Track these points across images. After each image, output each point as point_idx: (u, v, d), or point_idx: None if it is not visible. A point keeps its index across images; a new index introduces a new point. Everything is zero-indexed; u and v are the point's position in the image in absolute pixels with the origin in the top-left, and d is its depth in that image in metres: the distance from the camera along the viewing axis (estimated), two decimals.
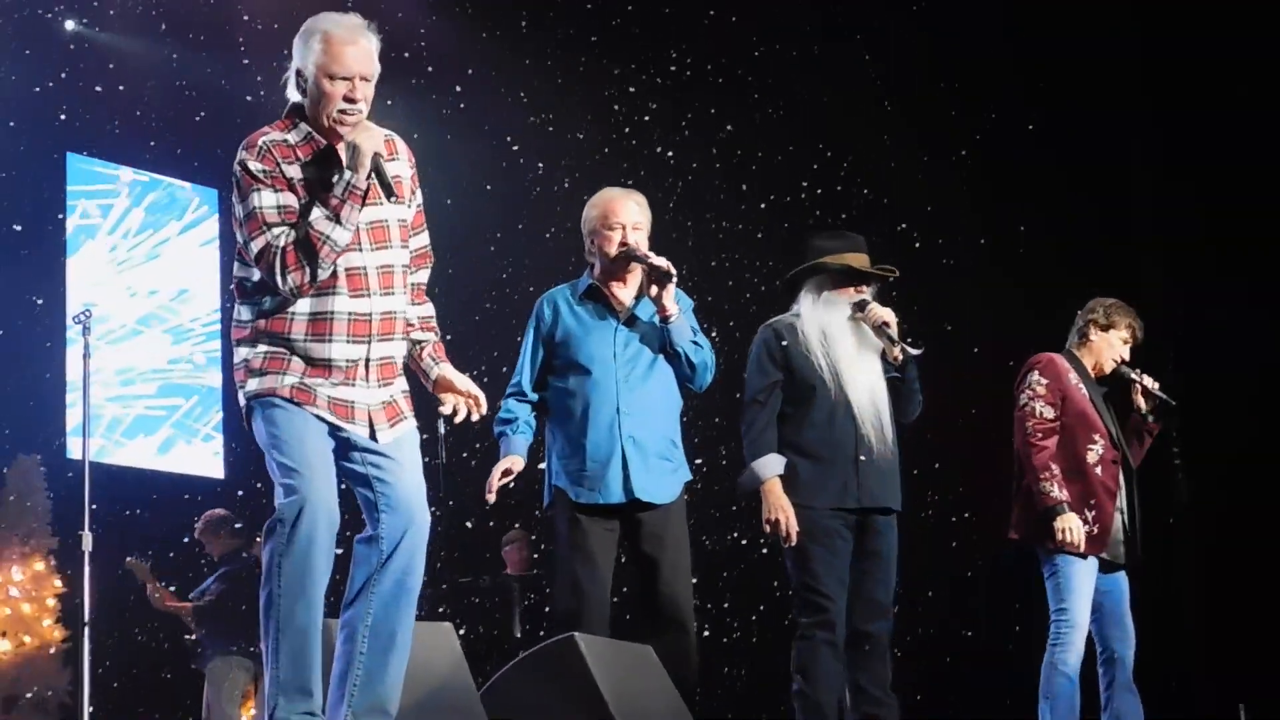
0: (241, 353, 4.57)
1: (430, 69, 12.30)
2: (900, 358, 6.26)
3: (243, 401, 4.57)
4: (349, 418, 4.52)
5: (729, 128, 12.11)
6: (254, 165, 4.47)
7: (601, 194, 6.18)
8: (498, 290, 12.25)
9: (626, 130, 12.37)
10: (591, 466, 5.93)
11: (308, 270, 4.40)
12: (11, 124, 11.60)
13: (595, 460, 5.93)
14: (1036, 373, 6.78)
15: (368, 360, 4.54)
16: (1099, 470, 6.70)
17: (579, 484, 5.95)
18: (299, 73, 4.54)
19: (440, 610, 10.06)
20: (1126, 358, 6.90)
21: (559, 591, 6.02)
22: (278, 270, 4.40)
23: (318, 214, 4.43)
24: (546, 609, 9.63)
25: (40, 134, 11.85)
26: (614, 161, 12.05)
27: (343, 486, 4.58)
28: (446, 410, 4.81)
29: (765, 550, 11.03)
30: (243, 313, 4.58)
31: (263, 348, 4.52)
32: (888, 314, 6.23)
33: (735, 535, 11.68)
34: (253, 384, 4.51)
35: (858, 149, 11.52)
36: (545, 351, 6.09)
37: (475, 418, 4.82)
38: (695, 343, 6.04)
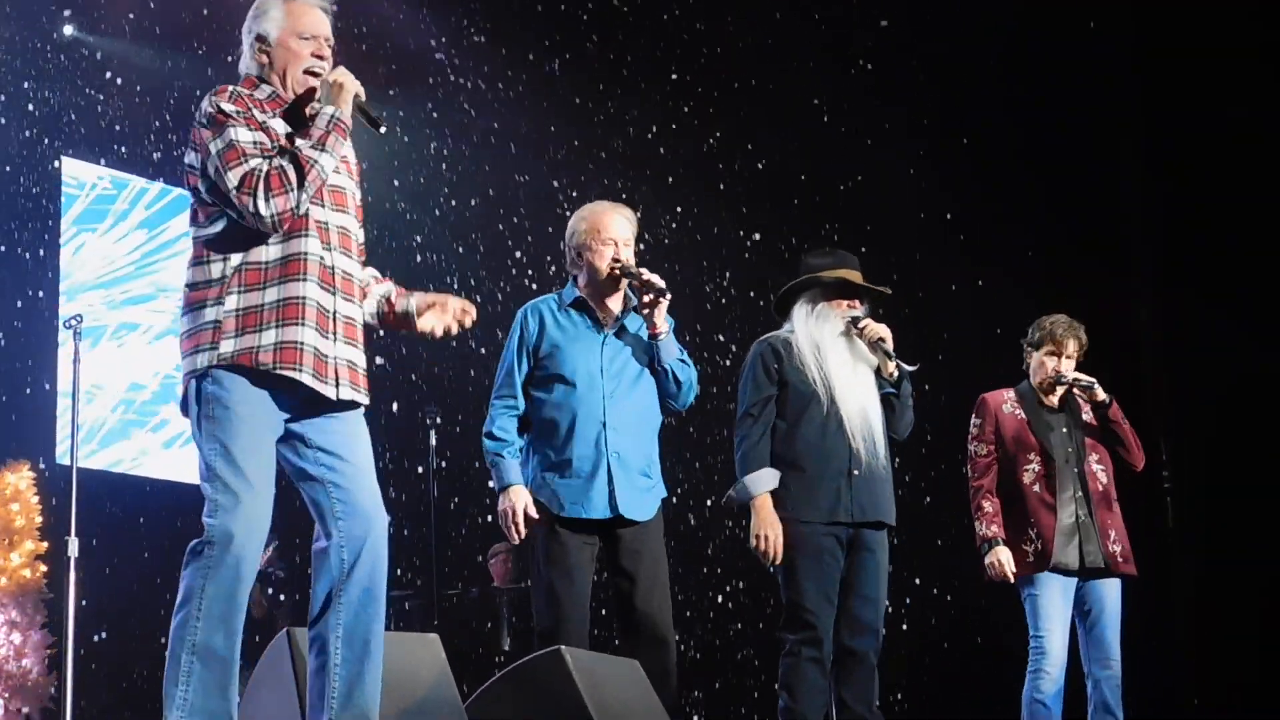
0: (208, 314, 4.38)
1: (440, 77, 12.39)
2: (895, 374, 6.31)
3: (202, 364, 4.35)
4: (324, 374, 4.41)
5: (715, 140, 12.13)
6: (227, 105, 4.40)
7: (590, 207, 6.15)
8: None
9: (613, 141, 12.40)
10: (576, 481, 5.88)
11: (294, 195, 4.33)
12: (6, 126, 11.60)
13: (580, 475, 5.88)
14: (973, 415, 7.06)
15: (334, 313, 4.46)
16: (1035, 488, 6.84)
17: (561, 498, 5.90)
18: (260, 38, 4.56)
19: (433, 623, 10.05)
20: (1060, 369, 6.99)
21: (538, 607, 5.96)
22: (260, 195, 4.29)
23: (302, 144, 4.39)
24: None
25: (35, 137, 11.85)
26: (601, 172, 12.09)
27: (283, 484, 4.47)
28: (439, 332, 4.73)
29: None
30: (210, 271, 4.40)
31: (234, 304, 4.35)
32: (883, 330, 6.26)
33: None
34: (227, 345, 4.34)
35: (858, 170, 11.53)
36: (529, 363, 6.04)
37: (469, 324, 4.74)
38: (682, 360, 6.05)
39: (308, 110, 4.54)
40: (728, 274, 11.86)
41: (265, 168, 4.31)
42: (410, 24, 12.37)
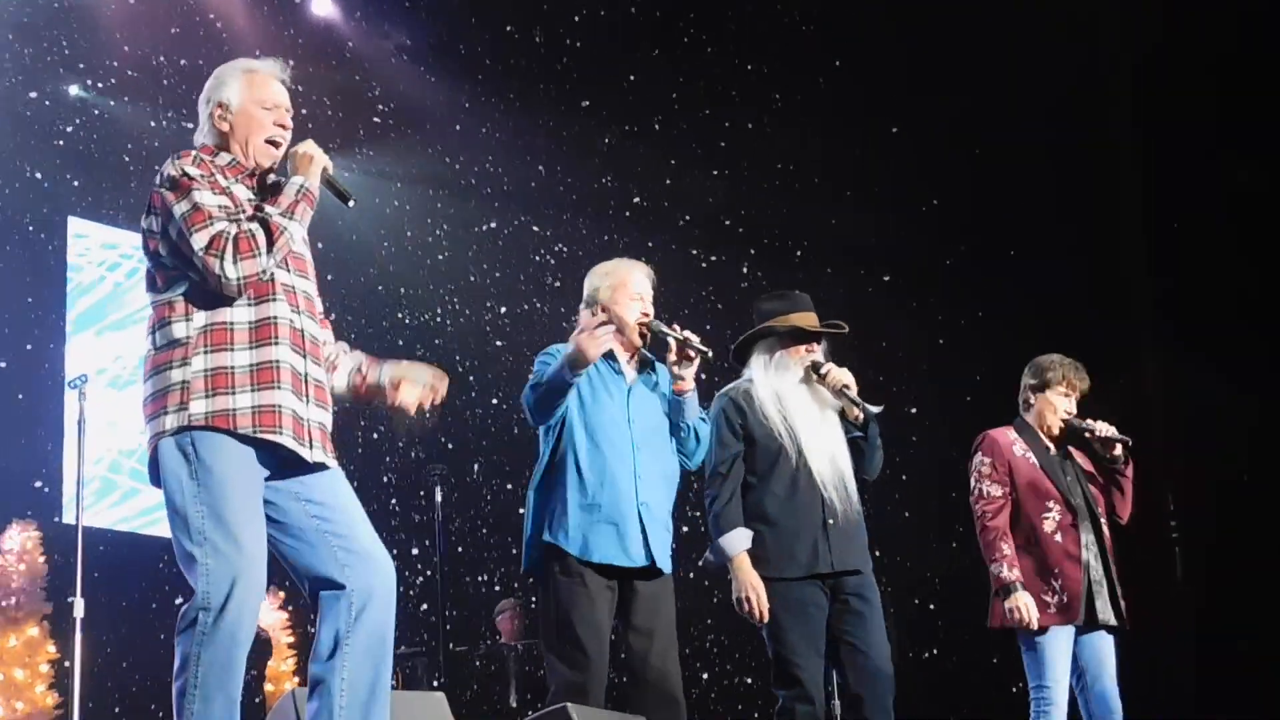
0: (173, 376, 4.29)
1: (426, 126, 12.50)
2: (861, 417, 6.18)
3: (173, 425, 4.26)
4: (302, 436, 4.34)
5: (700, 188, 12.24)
6: (191, 169, 4.36)
7: (614, 264, 6.08)
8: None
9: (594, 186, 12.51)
10: (608, 527, 5.73)
11: (261, 259, 4.26)
12: (12, 185, 11.64)
13: (612, 521, 5.74)
14: (980, 454, 6.76)
15: (306, 375, 4.41)
16: (1058, 537, 6.59)
17: (591, 543, 5.73)
18: (222, 105, 4.54)
19: (438, 680, 10.02)
20: (1072, 411, 6.80)
21: (562, 658, 5.73)
22: (229, 258, 4.22)
23: (271, 210, 4.35)
24: (542, 675, 9.61)
25: (42, 197, 11.89)
26: (577, 215, 12.19)
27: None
28: (412, 408, 4.65)
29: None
30: (173, 332, 4.32)
31: (201, 365, 4.27)
32: (846, 376, 6.13)
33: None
34: (199, 406, 4.25)
35: (841, 211, 11.61)
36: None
37: (439, 400, 4.68)
38: (701, 418, 5.99)
39: (268, 180, 4.52)
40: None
41: (234, 231, 4.25)
42: (411, 75, 12.49)
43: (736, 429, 6.14)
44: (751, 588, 5.96)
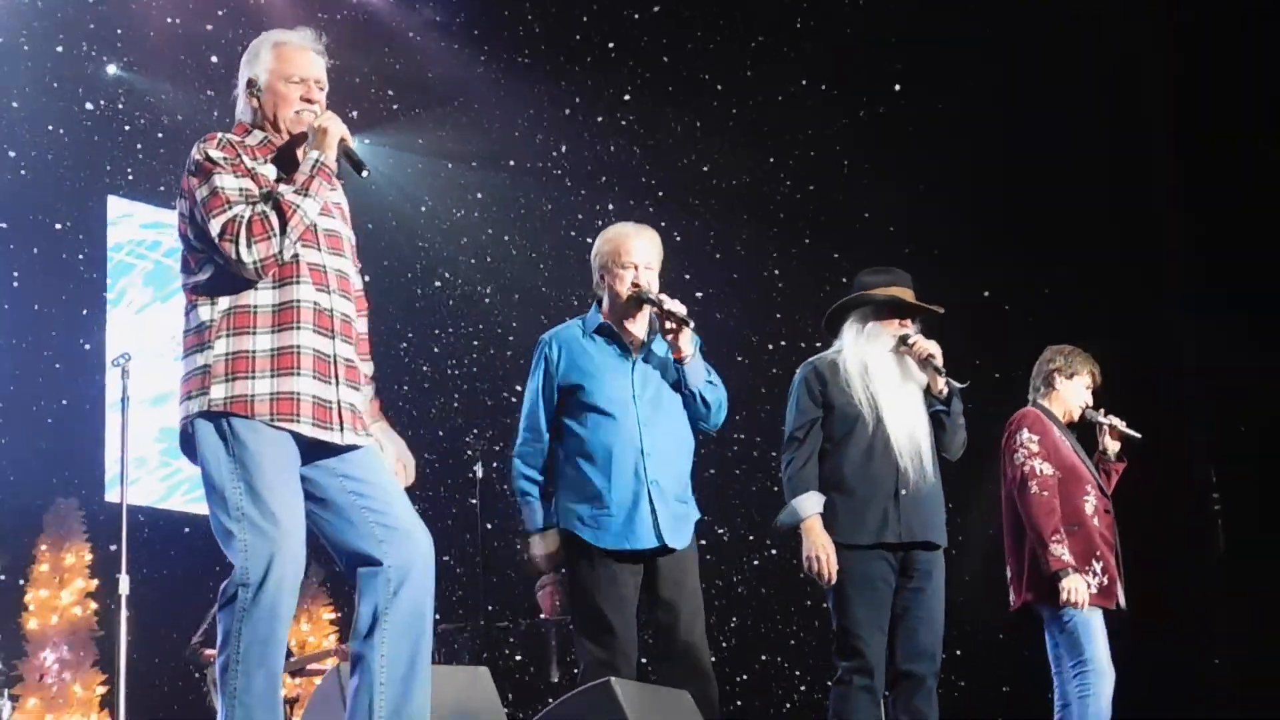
0: (198, 360, 4.35)
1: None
2: (945, 391, 6.20)
3: (196, 410, 4.31)
4: (328, 420, 4.37)
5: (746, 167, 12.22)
6: (215, 153, 4.38)
7: (614, 229, 6.00)
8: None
9: (638, 159, 12.50)
10: (617, 511, 5.71)
11: (276, 240, 4.27)
12: (52, 165, 11.68)
13: (621, 506, 5.71)
14: (1026, 431, 6.78)
15: (334, 357, 4.42)
16: (1096, 521, 6.71)
17: (602, 530, 5.72)
18: (251, 83, 4.55)
19: (482, 655, 10.05)
20: (1090, 402, 6.95)
21: (589, 637, 5.74)
22: (243, 242, 4.25)
23: (286, 189, 4.35)
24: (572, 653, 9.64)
25: (81, 176, 11.93)
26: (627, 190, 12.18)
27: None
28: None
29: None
30: (200, 315, 4.38)
31: (223, 348, 4.32)
32: (933, 346, 6.14)
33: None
34: (219, 391, 4.29)
35: (888, 185, 11.58)
36: (557, 395, 5.86)
37: (405, 483, 4.66)
38: (710, 382, 5.93)
39: (299, 154, 4.52)
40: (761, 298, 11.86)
41: (248, 214, 4.27)
42: (441, 51, 12.50)
43: (816, 396, 6.17)
44: (822, 548, 6.00)
